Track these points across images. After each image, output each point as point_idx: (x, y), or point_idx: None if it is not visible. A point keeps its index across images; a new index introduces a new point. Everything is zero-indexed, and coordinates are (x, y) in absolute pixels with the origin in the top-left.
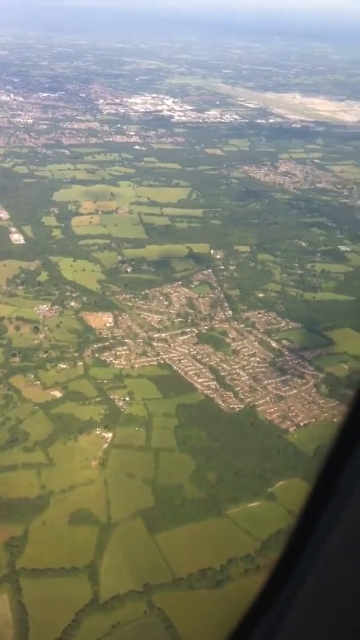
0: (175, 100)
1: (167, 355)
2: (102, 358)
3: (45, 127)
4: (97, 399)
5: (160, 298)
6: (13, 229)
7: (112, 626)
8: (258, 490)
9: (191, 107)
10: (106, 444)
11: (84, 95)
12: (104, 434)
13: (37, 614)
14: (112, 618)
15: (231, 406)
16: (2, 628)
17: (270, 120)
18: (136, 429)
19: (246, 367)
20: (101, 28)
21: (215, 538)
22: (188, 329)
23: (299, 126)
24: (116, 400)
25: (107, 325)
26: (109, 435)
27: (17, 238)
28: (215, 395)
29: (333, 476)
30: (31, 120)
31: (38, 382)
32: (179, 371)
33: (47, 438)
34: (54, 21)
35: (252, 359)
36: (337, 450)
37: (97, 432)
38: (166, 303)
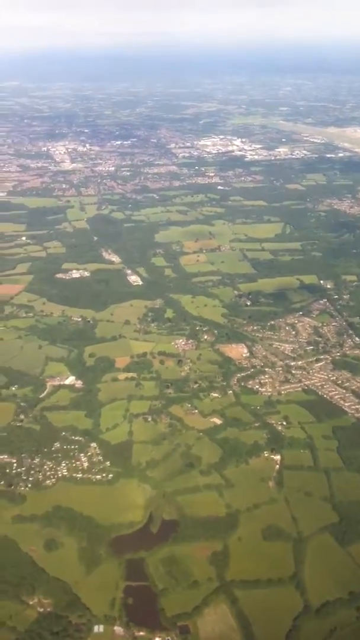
0: (243, 140)
1: (308, 382)
2: (249, 386)
3: (127, 173)
4: (256, 424)
5: (287, 328)
6: (128, 271)
7: (330, 630)
8: None
9: (260, 146)
10: (277, 466)
11: (155, 140)
12: (272, 456)
13: (257, 621)
14: (328, 623)
15: None
16: (230, 634)
17: (340, 155)
18: (301, 450)
19: None
20: (146, 75)
21: None
22: (322, 356)
23: None
24: (274, 425)
25: (244, 355)
26: (277, 457)
27: (134, 279)
28: None
29: None
30: (113, 168)
31: (196, 411)
32: (325, 396)
33: (219, 461)
34: (99, 71)
35: None
36: None
37: (266, 455)
38: (293, 332)
